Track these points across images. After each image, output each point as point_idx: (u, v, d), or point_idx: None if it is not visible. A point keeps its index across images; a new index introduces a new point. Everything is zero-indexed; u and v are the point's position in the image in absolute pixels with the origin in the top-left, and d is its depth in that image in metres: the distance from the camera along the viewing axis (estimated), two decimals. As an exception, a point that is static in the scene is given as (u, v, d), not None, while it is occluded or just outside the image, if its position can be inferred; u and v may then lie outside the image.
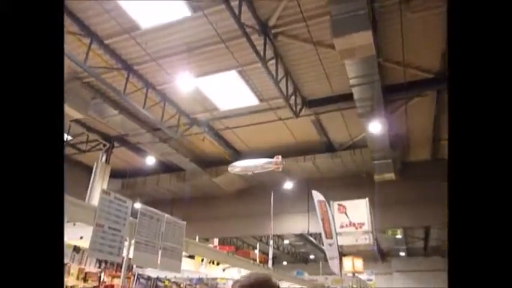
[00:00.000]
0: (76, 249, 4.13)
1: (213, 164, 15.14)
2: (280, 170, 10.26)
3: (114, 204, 3.37)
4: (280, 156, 10.27)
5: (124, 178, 16.78)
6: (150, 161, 15.01)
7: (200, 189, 17.05)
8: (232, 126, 13.04)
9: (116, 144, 14.34)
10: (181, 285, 5.47)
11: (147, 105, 10.88)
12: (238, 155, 14.43)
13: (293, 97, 10.97)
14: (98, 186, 12.84)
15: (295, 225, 16.34)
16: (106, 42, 9.16)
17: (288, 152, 14.39)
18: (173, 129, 12.09)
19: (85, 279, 4.04)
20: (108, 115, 11.49)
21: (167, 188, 17.40)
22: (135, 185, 16.95)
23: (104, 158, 13.98)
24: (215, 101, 11.72)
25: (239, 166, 10.60)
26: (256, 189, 16.68)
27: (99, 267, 4.39)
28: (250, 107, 11.93)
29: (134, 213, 3.75)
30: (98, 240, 3.11)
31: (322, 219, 11.76)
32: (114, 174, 15.27)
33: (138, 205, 4.27)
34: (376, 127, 10.42)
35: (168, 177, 16.69)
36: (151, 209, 3.99)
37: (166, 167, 16.47)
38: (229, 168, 10.78)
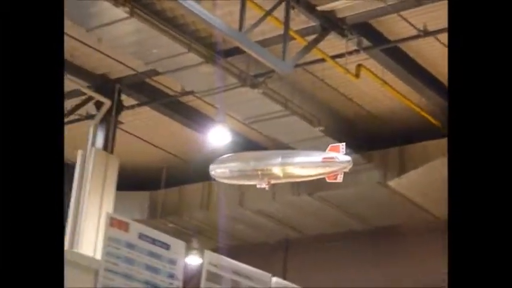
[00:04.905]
0: None
1: (400, 139, 13.73)
2: (339, 179, 9.61)
3: (143, 257, 3.76)
4: (342, 145, 9.49)
5: (155, 189, 15.25)
6: (223, 138, 13.32)
7: (365, 212, 15.32)
8: None
9: (128, 101, 13.20)
10: None
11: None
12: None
13: None
14: (92, 212, 12.45)
15: None
16: None
17: None
18: (277, 48, 10.63)
19: None
20: (106, 21, 10.61)
21: (268, 211, 15.46)
22: (187, 204, 15.19)
23: (98, 139, 13.09)
24: None
25: (235, 165, 10.22)
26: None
27: None
28: None
29: (193, 276, 4.42)
30: None
31: None
32: (129, 182, 14.13)
33: (195, 260, 5.53)
34: None
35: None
36: (238, 263, 4.72)
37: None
38: (212, 170, 10.53)
